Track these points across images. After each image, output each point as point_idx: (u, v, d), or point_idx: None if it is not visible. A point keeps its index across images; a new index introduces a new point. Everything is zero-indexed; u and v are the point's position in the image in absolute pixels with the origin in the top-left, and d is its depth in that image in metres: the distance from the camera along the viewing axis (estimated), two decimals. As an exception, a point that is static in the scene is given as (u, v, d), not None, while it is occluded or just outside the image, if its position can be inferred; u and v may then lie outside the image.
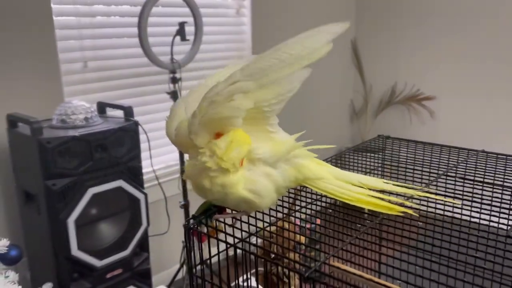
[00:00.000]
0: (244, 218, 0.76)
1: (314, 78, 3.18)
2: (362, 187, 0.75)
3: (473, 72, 2.94)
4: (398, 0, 3.20)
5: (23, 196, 1.71)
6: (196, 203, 0.83)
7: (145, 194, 1.82)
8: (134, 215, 1.81)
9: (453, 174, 1.05)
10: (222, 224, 0.75)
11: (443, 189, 0.96)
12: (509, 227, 0.83)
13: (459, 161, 1.16)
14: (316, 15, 3.11)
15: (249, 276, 0.78)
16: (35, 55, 1.83)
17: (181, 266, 2.20)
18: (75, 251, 1.62)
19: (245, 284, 0.81)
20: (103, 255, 1.72)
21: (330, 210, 0.88)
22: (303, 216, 0.92)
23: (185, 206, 2.09)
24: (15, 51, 1.78)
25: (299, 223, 1.34)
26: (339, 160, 1.27)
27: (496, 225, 0.96)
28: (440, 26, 3.03)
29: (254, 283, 1.21)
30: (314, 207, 0.94)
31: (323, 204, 0.93)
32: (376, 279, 0.82)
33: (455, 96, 3.05)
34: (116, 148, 1.69)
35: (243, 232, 0.78)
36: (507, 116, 2.86)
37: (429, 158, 1.20)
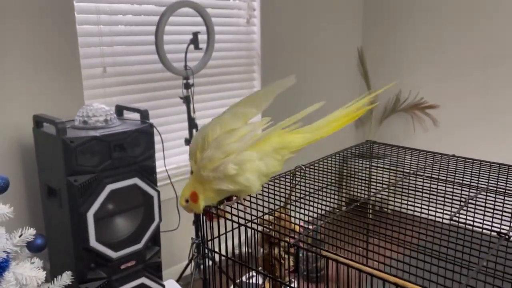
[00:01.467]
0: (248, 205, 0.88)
1: (322, 83, 3.31)
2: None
3: (476, 82, 3.04)
4: (404, 10, 3.31)
5: (46, 191, 1.85)
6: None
7: (158, 192, 1.95)
8: (148, 211, 1.93)
9: (421, 173, 1.17)
10: (228, 208, 0.87)
11: (414, 186, 1.08)
12: (452, 219, 0.94)
13: (431, 163, 1.28)
14: (324, 24, 3.23)
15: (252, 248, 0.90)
16: (60, 60, 1.98)
17: (190, 261, 2.33)
18: (93, 243, 1.75)
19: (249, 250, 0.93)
20: (118, 247, 1.84)
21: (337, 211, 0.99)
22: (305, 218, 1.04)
23: (195, 204, 2.22)
24: (42, 57, 1.93)
25: (302, 224, 1.45)
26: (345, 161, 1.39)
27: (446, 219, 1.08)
28: (444, 36, 3.13)
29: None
30: (316, 209, 1.06)
31: (317, 200, 1.05)
32: (361, 266, 0.93)
33: (457, 105, 3.14)
34: (132, 148, 1.82)
35: (249, 215, 0.90)
36: (509, 126, 2.94)
37: (409, 160, 1.32)
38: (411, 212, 1.08)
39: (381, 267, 0.95)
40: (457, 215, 0.89)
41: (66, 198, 1.70)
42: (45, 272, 1.42)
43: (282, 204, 0.98)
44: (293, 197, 1.00)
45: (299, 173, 1.03)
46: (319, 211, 1.03)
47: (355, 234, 1.01)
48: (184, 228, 2.43)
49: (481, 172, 1.18)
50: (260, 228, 0.92)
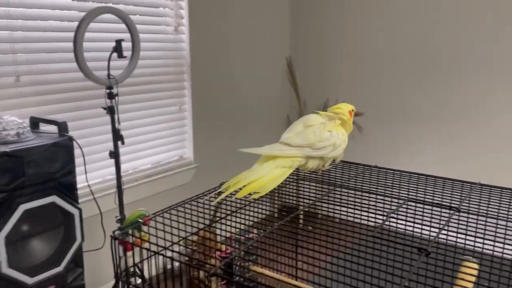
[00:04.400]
0: (168, 228, 0.83)
1: (253, 93, 3.32)
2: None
3: (401, 90, 3.20)
4: (330, 19, 3.42)
5: None
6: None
7: (80, 209, 1.82)
8: (68, 231, 1.80)
9: (347, 185, 1.20)
10: (147, 235, 0.81)
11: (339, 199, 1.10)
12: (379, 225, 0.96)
13: (354, 174, 1.31)
14: (252, 33, 3.25)
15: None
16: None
17: (117, 281, 2.20)
18: (5, 269, 1.59)
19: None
20: (35, 272, 1.70)
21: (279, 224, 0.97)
22: (235, 229, 1.01)
23: (121, 221, 2.11)
24: None
25: (234, 236, 1.42)
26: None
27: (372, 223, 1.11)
28: (370, 45, 3.28)
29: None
30: (249, 217, 1.03)
31: (243, 216, 1.02)
32: (288, 280, 0.92)
33: (381, 112, 3.29)
34: (49, 163, 1.69)
35: (168, 241, 0.85)
36: (429, 135, 3.13)
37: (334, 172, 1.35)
38: (338, 223, 1.08)
39: (310, 276, 0.94)
40: (384, 225, 0.91)
41: (-28, 221, 1.53)
42: None
43: (206, 224, 0.94)
44: (218, 216, 0.97)
45: (224, 190, 1.00)
46: (248, 225, 1.00)
47: (286, 246, 1.00)
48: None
49: (401, 182, 1.23)
50: (177, 254, 0.87)
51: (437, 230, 0.90)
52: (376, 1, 3.20)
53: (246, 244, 1.06)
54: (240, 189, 1.01)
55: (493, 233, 0.95)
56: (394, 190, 1.20)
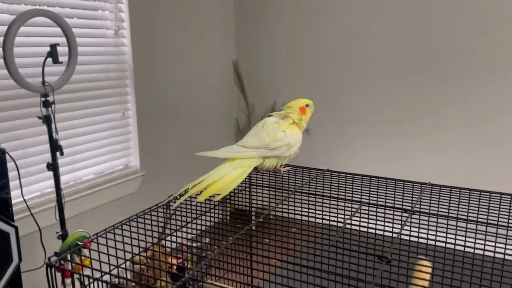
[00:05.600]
0: (113, 251, 0.76)
1: (200, 97, 3.25)
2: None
3: (345, 91, 3.26)
4: (273, 23, 3.43)
5: None
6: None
7: (15, 228, 1.68)
8: (4, 251, 1.66)
9: (300, 191, 1.19)
10: (88, 260, 0.74)
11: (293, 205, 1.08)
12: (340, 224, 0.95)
13: (308, 180, 1.31)
14: (197, 37, 3.19)
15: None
16: None
17: (61, 300, 2.06)
18: None
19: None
20: (-35, 299, 1.55)
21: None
22: (188, 236, 0.95)
23: (63, 237, 1.97)
24: None
25: (186, 243, 1.36)
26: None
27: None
28: (314, 47, 3.32)
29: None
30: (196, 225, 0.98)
31: (194, 227, 0.97)
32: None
33: (326, 116, 3.34)
34: (-22, 180, 1.54)
35: (113, 265, 0.78)
36: (376, 136, 3.21)
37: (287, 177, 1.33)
38: (295, 225, 1.06)
39: (266, 284, 0.91)
40: (343, 230, 0.90)
41: None
42: None
43: (155, 241, 0.88)
44: (168, 230, 0.91)
45: (173, 203, 0.94)
46: (199, 234, 0.95)
47: (241, 255, 0.96)
48: (53, 264, 2.15)
49: (354, 186, 1.23)
50: (132, 272, 0.80)
51: (394, 234, 0.90)
52: (318, 1, 3.24)
53: (199, 254, 1.01)
54: (200, 193, 1.00)
55: (444, 231, 0.96)
56: (347, 194, 1.20)
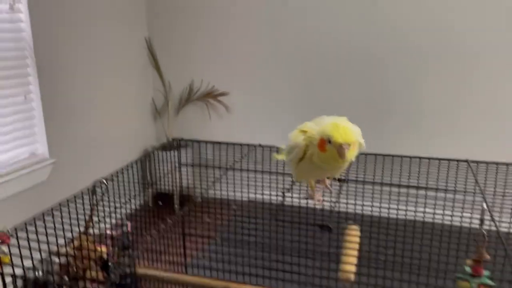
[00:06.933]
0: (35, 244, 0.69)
1: (111, 76, 3.07)
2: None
3: (261, 70, 3.28)
4: (188, 0, 3.32)
5: None
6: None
7: None
8: None
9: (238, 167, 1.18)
10: (8, 256, 0.66)
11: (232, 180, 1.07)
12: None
13: (240, 155, 1.30)
14: (103, 11, 2.98)
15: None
16: None
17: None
18: None
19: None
20: None
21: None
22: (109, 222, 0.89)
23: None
24: None
25: (109, 231, 1.29)
26: (148, 158, 1.28)
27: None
28: (229, 25, 3.27)
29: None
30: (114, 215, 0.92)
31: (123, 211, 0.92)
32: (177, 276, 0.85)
33: (245, 92, 3.35)
34: None
35: (37, 260, 0.71)
36: (292, 108, 3.28)
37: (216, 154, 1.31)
38: (235, 202, 1.04)
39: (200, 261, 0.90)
40: (283, 203, 0.90)
41: None
42: None
43: (82, 229, 0.81)
44: (96, 218, 0.84)
45: (100, 189, 0.87)
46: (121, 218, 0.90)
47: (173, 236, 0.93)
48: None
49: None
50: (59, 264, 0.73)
51: (332, 203, 0.92)
52: (232, -21, 3.19)
53: (122, 240, 0.96)
54: None
55: (370, 197, 1.01)
56: (279, 167, 1.20)
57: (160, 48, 3.44)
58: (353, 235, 0.91)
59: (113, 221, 0.98)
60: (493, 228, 0.93)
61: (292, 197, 1.04)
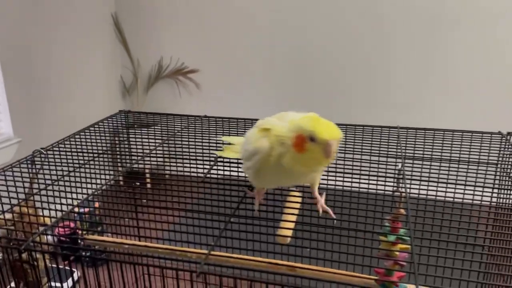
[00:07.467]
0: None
1: (77, 52, 3.02)
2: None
3: (232, 47, 3.27)
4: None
5: None
6: None
7: None
8: None
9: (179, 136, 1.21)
10: None
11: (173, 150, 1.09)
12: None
13: (186, 125, 1.32)
14: (69, -12, 2.91)
15: None
16: None
17: None
18: None
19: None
20: None
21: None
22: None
23: None
24: None
25: (77, 210, 1.31)
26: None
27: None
28: (196, 1, 3.24)
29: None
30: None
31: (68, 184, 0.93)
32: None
33: (216, 69, 3.34)
34: None
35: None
36: (259, 84, 3.30)
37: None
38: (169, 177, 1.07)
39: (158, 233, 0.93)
40: (210, 171, 0.93)
41: None
42: None
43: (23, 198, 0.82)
44: (36, 187, 0.86)
45: (39, 159, 0.88)
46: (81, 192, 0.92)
47: (127, 208, 0.95)
48: None
49: (230, 129, 1.26)
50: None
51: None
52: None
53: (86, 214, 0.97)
54: None
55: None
56: (218, 136, 1.24)
57: (127, 24, 3.39)
58: (293, 201, 0.96)
59: (75, 201, 1.00)
60: (414, 189, 1.00)
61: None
